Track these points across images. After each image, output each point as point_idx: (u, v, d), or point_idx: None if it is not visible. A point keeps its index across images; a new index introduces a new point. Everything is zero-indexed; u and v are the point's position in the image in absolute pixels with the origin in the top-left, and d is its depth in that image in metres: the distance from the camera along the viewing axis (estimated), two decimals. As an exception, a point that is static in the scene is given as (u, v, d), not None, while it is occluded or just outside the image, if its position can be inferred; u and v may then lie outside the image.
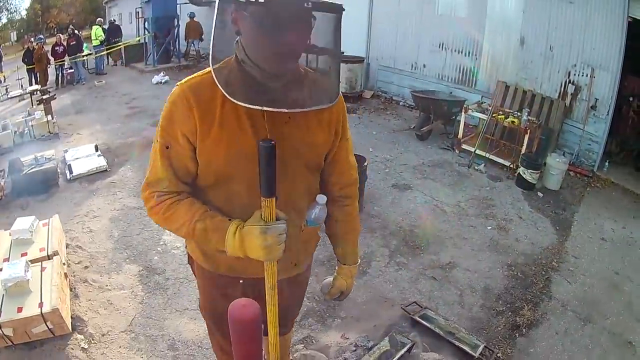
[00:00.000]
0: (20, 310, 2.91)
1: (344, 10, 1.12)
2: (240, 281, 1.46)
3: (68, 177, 5.47)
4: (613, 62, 5.57)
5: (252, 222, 1.21)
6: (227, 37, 1.17)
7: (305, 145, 1.30)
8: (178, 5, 12.50)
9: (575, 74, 5.99)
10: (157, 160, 1.28)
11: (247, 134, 1.22)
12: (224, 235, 1.23)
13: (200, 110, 1.20)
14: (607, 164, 5.99)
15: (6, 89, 11.28)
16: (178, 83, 1.25)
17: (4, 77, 13.72)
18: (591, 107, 5.84)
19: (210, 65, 1.15)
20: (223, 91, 1.11)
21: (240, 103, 1.11)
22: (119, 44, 13.42)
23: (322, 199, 1.33)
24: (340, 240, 1.62)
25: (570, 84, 6.04)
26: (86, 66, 13.02)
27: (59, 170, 5.50)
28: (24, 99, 10.74)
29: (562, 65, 6.10)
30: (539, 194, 5.20)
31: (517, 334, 3.15)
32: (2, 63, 14.79)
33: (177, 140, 1.23)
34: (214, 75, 1.13)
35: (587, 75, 5.84)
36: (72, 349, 2.96)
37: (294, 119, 1.26)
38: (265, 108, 1.11)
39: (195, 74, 1.26)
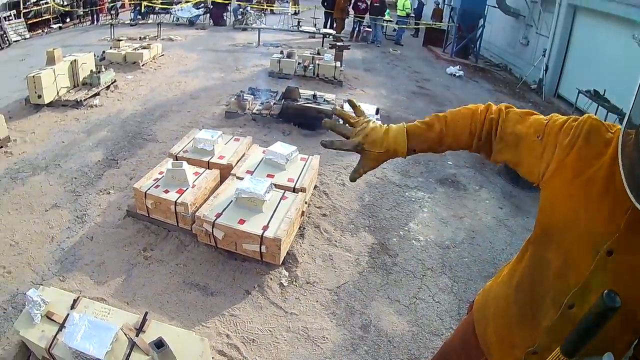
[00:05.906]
0: (241, 222, 3.01)
1: None
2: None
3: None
4: None
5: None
6: None
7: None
8: (487, 7, 11.86)
9: None
10: (526, 116, 1.17)
11: (602, 213, 0.95)
12: None
13: (581, 148, 1.02)
14: None
15: (299, 22, 12.51)
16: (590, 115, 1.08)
17: (299, 10, 15.43)
18: None
19: (622, 126, 0.91)
20: (623, 176, 0.86)
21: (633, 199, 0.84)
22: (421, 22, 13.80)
23: (609, 358, 0.96)
24: None
25: None
26: (384, 31, 13.58)
27: (334, 116, 5.67)
28: (313, 37, 11.83)
29: None
30: None
31: None
32: (301, -2, 16.63)
33: (540, 139, 1.10)
34: (619, 142, 0.90)
35: None
36: (271, 279, 2.99)
37: None
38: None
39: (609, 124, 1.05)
